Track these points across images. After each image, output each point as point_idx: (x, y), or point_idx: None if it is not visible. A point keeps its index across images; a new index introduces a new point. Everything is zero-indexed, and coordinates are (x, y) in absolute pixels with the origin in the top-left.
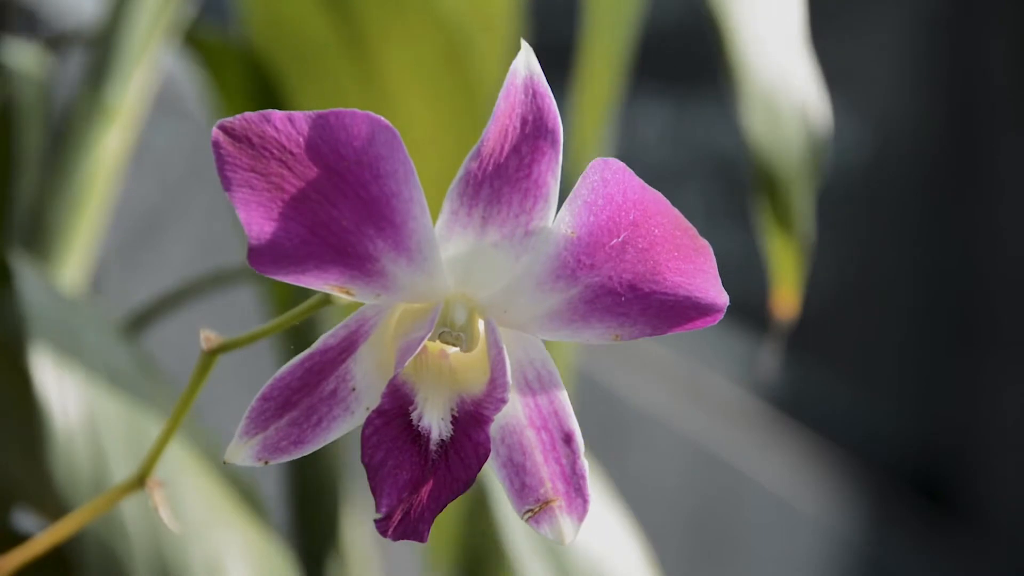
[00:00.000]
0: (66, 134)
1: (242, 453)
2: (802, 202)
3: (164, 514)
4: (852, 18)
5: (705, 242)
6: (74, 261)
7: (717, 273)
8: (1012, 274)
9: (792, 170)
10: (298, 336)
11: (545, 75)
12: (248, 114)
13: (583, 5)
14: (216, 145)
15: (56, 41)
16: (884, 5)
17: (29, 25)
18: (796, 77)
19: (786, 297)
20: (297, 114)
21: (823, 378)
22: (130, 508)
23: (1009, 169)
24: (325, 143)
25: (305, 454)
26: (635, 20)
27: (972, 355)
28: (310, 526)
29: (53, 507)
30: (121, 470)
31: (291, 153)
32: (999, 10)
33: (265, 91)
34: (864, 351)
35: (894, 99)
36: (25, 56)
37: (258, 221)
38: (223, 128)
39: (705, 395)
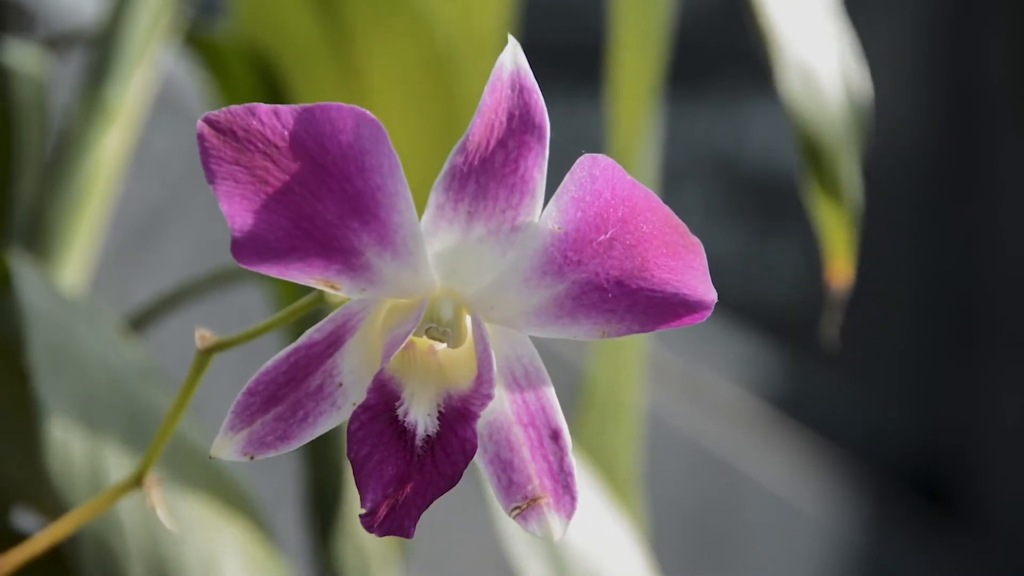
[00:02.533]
0: (66, 134)
1: (227, 448)
2: (849, 169)
3: (161, 513)
4: (851, 18)
5: (695, 239)
6: (74, 261)
7: (707, 270)
8: (1012, 274)
9: (836, 136)
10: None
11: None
12: (233, 107)
13: (610, 3)
14: (201, 138)
15: (56, 41)
16: (884, 5)
17: (29, 25)
18: (831, 41)
19: (840, 268)
20: (283, 108)
21: (823, 378)
22: (127, 507)
23: (1009, 169)
24: (310, 137)
25: (291, 449)
26: (668, 14)
27: (972, 355)
28: (325, 518)
29: (51, 507)
30: (118, 470)
31: (276, 146)
32: (999, 10)
33: (267, 91)
34: (864, 351)
35: (894, 99)
36: (25, 56)
37: (241, 214)
38: (208, 121)
39: (705, 395)
